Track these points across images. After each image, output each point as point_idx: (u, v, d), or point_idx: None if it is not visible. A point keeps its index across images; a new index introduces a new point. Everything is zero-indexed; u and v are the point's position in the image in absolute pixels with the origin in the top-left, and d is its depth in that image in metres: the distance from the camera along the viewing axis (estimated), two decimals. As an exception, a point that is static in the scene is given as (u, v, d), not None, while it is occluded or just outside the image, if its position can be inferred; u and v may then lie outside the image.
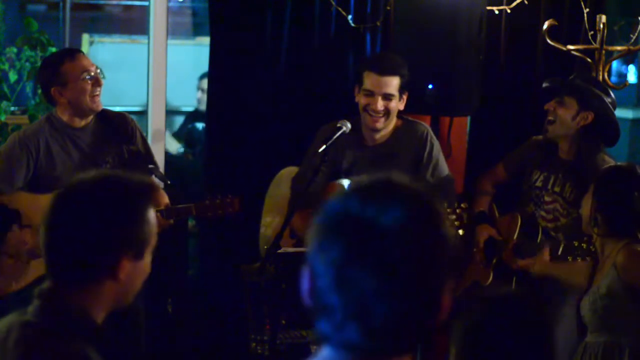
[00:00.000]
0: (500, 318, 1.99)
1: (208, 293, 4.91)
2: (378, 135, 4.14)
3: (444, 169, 4.17)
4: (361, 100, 4.07)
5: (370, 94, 4.03)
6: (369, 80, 4.04)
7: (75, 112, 4.00)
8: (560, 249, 3.80)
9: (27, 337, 1.85)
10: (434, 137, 4.19)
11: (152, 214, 1.94)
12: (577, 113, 3.99)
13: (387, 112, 4.05)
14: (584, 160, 3.99)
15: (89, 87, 3.94)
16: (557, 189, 4.07)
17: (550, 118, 4.05)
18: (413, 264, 1.29)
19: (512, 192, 4.34)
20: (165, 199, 4.00)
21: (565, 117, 4.01)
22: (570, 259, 3.76)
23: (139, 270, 1.94)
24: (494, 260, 4.18)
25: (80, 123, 4.03)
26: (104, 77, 4.05)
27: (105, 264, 1.90)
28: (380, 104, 4.02)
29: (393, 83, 4.02)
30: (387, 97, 4.03)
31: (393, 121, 4.14)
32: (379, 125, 4.08)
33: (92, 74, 3.96)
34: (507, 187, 4.38)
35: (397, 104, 4.07)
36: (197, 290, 5.08)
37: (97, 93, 3.98)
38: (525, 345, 1.98)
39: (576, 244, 3.72)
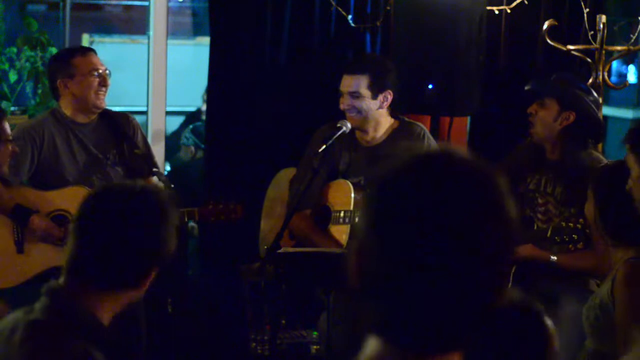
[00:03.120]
0: (501, 331, 1.94)
1: (208, 293, 4.91)
2: (371, 136, 4.11)
3: None
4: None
5: (340, 92, 4.03)
6: (341, 80, 4.06)
7: (78, 107, 4.03)
8: (549, 232, 3.80)
9: (32, 336, 1.85)
10: (431, 137, 4.18)
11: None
12: (558, 114, 3.99)
13: (357, 110, 4.02)
14: (570, 159, 4.00)
15: (95, 83, 3.98)
16: (548, 190, 4.08)
17: (530, 120, 4.06)
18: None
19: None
20: None
21: (547, 118, 4.00)
22: (557, 240, 3.77)
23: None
24: None
25: (83, 119, 4.06)
26: (110, 75, 4.06)
27: (139, 274, 1.93)
28: (345, 102, 4.02)
29: (359, 82, 4.00)
30: (354, 95, 4.00)
31: (388, 122, 4.13)
32: (352, 122, 4.04)
33: (100, 72, 4.00)
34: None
35: (370, 103, 4.02)
36: (197, 290, 5.08)
37: (102, 92, 4.01)
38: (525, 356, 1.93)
39: (564, 225, 3.74)
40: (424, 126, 4.24)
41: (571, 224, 3.71)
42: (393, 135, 4.12)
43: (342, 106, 4.03)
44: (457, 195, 1.16)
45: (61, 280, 1.91)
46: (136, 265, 1.92)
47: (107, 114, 4.11)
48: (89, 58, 4.01)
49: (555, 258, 3.93)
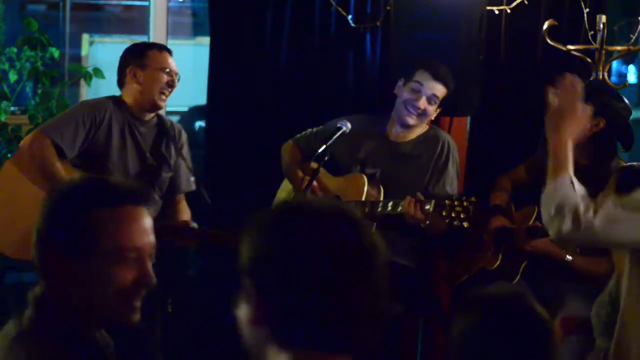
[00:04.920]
0: (496, 322, 1.95)
1: (208, 293, 4.91)
2: (404, 134, 4.16)
3: (450, 186, 4.15)
4: (404, 93, 4.09)
5: (418, 90, 4.05)
6: (421, 77, 4.06)
7: (139, 100, 3.99)
8: None
9: (23, 348, 1.81)
10: (455, 150, 4.21)
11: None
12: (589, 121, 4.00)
13: (424, 114, 4.08)
14: (598, 165, 4.00)
15: (163, 80, 3.96)
16: None
17: None
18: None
19: (529, 195, 4.32)
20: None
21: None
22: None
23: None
24: (503, 246, 4.16)
25: (141, 115, 4.03)
26: (178, 80, 4.05)
27: None
28: (423, 102, 4.05)
29: (441, 91, 4.07)
30: (430, 100, 4.06)
31: (422, 126, 4.17)
32: (411, 121, 4.10)
33: (172, 73, 3.99)
34: (525, 191, 4.36)
35: (433, 112, 4.11)
36: (197, 290, 5.08)
37: (167, 92, 4.00)
38: (524, 350, 1.94)
39: None
40: (450, 136, 4.27)
41: None
42: (420, 138, 4.18)
43: (419, 103, 4.05)
44: (332, 231, 1.48)
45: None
46: None
47: (164, 123, 4.11)
48: (164, 55, 4.01)
49: (570, 258, 3.94)
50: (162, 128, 4.11)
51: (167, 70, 3.98)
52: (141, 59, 3.97)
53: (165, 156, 4.11)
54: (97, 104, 4.00)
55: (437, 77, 4.06)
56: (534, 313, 1.96)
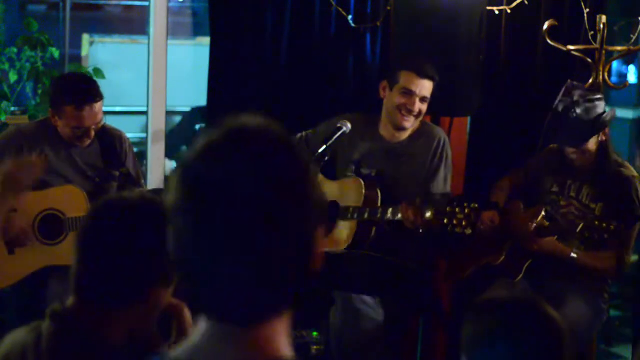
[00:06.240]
0: (509, 327, 1.94)
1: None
2: (398, 133, 4.17)
3: (444, 185, 4.15)
4: (394, 98, 4.08)
5: (409, 93, 4.04)
6: (408, 79, 4.04)
7: (62, 133, 4.03)
8: (580, 227, 3.81)
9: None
10: (448, 145, 4.21)
11: None
12: (597, 139, 4.03)
13: (419, 114, 4.08)
14: (604, 165, 4.02)
15: (76, 135, 3.98)
16: (572, 194, 4.09)
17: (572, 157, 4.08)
18: (261, 224, 1.23)
19: (530, 198, 4.32)
20: None
21: (589, 153, 4.03)
22: (587, 235, 3.77)
23: (166, 294, 1.90)
24: (507, 243, 4.15)
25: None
26: (100, 124, 4.02)
27: (143, 287, 1.86)
28: (417, 105, 4.05)
29: (430, 87, 4.06)
30: (423, 100, 4.06)
31: (416, 123, 4.18)
32: (408, 124, 4.10)
33: (87, 129, 3.96)
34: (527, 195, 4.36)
35: (425, 109, 4.11)
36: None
37: (85, 140, 4.01)
38: (539, 356, 1.93)
39: (597, 223, 3.75)
40: (444, 132, 4.26)
41: (604, 224, 3.73)
42: (414, 135, 4.19)
43: (414, 107, 4.05)
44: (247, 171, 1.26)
45: (69, 301, 1.87)
46: (138, 278, 1.85)
47: (103, 132, 4.10)
48: (80, 114, 3.92)
49: (575, 255, 3.94)
50: (101, 140, 4.11)
51: (81, 127, 3.94)
52: (59, 109, 3.95)
53: (107, 168, 4.12)
54: (28, 134, 4.05)
55: (422, 75, 4.04)
56: (549, 319, 1.95)
